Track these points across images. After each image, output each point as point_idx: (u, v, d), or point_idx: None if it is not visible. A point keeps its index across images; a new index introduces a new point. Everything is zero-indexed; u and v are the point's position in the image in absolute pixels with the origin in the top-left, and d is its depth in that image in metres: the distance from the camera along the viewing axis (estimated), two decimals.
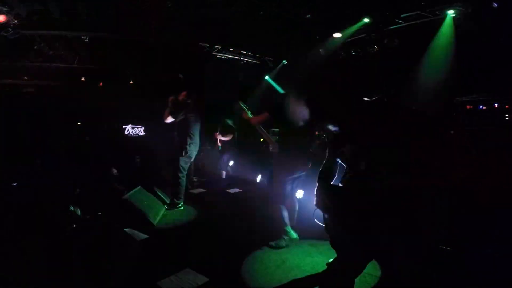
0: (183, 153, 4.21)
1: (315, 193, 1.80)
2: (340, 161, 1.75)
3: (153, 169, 6.34)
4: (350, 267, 1.50)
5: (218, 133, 5.96)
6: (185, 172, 4.33)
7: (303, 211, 3.65)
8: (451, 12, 4.37)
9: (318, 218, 1.99)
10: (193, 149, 4.33)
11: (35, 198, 3.89)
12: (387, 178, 1.48)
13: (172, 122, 4.24)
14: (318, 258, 2.75)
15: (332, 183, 1.80)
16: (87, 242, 2.97)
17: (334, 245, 2.00)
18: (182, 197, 4.35)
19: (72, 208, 3.37)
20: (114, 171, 4.99)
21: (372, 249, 1.54)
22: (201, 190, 5.63)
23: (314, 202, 1.79)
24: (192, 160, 4.52)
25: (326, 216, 1.82)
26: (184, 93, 4.24)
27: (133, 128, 7.94)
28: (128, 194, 3.78)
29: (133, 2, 4.49)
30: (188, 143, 4.22)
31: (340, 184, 1.69)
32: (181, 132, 4.29)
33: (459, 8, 4.27)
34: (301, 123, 2.87)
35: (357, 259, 1.50)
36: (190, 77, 6.42)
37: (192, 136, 4.25)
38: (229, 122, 5.83)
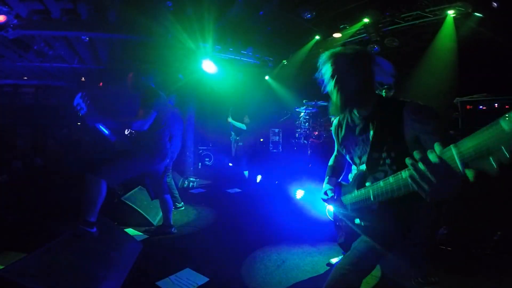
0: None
1: (323, 187, 1.76)
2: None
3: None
4: (364, 267, 1.47)
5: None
6: (169, 172, 4.36)
7: (303, 211, 3.64)
8: (451, 12, 4.38)
9: (330, 214, 1.97)
10: (174, 151, 4.37)
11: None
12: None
13: None
14: (318, 258, 2.76)
15: (340, 180, 1.77)
16: (87, 242, 2.96)
17: (345, 245, 1.96)
18: (178, 197, 4.38)
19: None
20: None
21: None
22: (201, 190, 5.64)
23: (322, 198, 1.75)
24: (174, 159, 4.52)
25: (337, 214, 1.79)
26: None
27: None
28: (128, 194, 3.78)
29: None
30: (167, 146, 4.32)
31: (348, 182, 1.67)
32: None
33: (459, 8, 4.28)
34: None
35: (372, 260, 1.47)
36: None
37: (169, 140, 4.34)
38: None
